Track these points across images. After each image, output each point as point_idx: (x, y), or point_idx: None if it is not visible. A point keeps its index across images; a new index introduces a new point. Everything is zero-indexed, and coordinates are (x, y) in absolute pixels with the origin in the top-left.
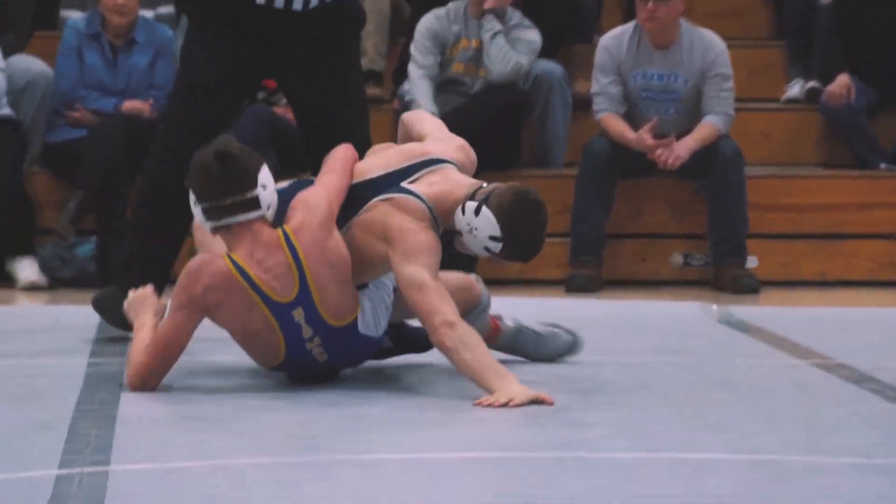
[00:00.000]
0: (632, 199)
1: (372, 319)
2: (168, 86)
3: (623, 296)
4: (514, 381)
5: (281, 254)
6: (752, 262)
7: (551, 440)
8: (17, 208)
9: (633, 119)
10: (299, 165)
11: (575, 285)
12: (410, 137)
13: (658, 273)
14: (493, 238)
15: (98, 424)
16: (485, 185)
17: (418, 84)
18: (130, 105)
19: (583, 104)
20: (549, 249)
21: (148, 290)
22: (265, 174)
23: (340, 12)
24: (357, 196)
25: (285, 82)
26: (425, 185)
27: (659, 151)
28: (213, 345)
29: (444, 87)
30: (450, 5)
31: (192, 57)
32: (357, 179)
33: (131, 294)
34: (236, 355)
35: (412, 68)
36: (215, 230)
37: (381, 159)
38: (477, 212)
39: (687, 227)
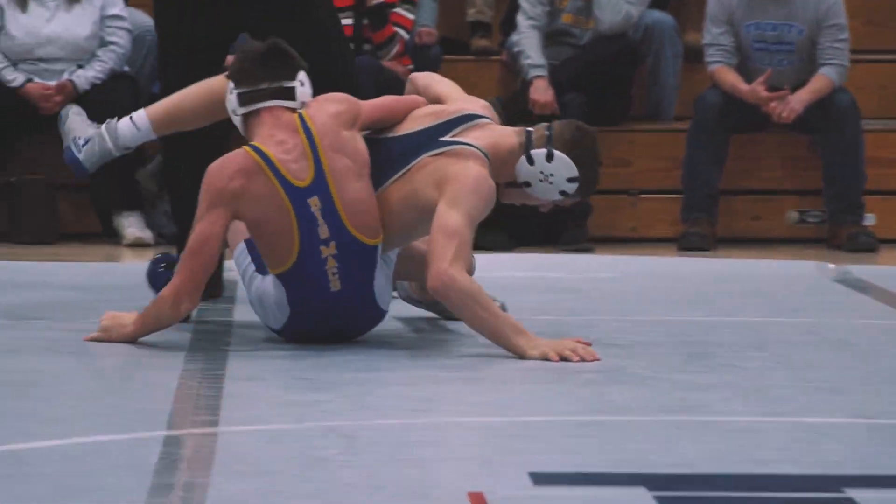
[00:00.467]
0: (745, 154)
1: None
2: None
3: (737, 254)
4: (534, 336)
5: (297, 136)
6: (869, 220)
7: (667, 403)
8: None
9: (746, 71)
10: None
11: (688, 243)
12: (424, 98)
13: (773, 231)
14: (570, 180)
15: (205, 384)
16: (529, 129)
17: (527, 35)
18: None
19: (694, 56)
20: (661, 206)
21: (108, 318)
22: (306, 76)
23: None
24: (391, 151)
25: (256, 30)
26: (473, 138)
27: (773, 104)
28: None
29: (552, 37)
30: None
31: (164, 25)
32: (389, 134)
33: (105, 324)
34: None
35: (520, 19)
36: (246, 117)
37: (410, 120)
38: (549, 158)
39: (802, 182)
